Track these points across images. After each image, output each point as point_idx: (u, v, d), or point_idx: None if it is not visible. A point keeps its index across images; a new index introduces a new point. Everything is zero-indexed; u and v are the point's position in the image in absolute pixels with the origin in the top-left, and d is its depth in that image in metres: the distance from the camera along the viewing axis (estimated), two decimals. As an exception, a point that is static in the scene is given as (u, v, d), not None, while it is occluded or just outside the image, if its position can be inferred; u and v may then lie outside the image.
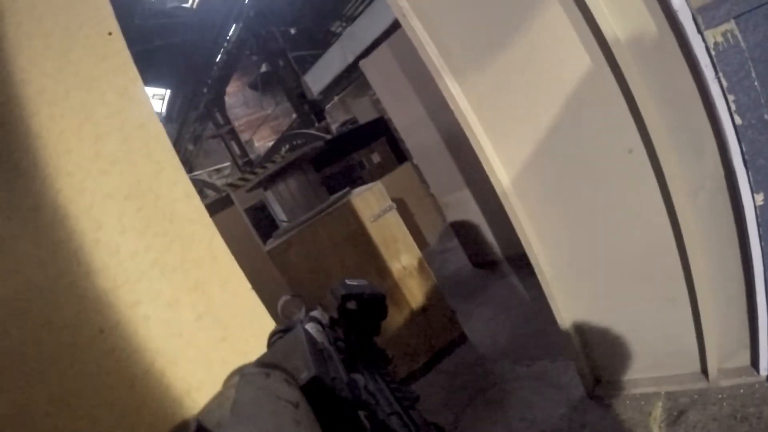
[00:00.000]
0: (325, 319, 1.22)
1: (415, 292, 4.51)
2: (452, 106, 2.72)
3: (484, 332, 4.77)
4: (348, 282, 1.21)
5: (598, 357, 3.12)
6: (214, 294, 1.59)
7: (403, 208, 6.67)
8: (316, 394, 0.79)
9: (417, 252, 4.53)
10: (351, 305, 1.16)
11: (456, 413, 3.81)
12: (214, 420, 0.64)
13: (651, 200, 2.41)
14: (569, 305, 3.01)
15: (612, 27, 2.13)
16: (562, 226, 2.78)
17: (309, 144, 5.55)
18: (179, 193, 1.58)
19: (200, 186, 14.81)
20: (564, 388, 3.31)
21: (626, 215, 2.54)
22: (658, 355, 2.87)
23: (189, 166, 18.83)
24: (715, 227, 2.34)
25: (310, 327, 1.15)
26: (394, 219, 4.41)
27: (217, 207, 7.22)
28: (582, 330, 3.06)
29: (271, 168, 4.69)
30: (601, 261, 2.77)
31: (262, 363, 0.83)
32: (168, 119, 18.12)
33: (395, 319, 4.50)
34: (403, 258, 4.43)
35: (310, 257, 4.29)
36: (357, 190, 4.51)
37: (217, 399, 0.71)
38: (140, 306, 1.39)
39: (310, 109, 15.17)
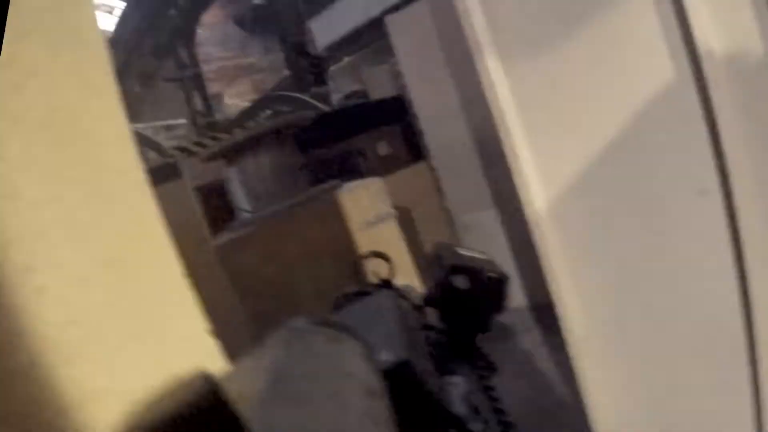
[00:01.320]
0: (416, 298, 1.18)
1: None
2: (488, 96, 2.79)
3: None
4: (461, 251, 1.19)
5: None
6: (134, 275, 1.49)
7: (407, 221, 6.70)
8: (401, 388, 0.72)
9: (415, 280, 4.40)
10: (461, 282, 1.10)
11: None
12: (238, 390, 0.49)
13: (720, 259, 2.49)
14: (600, 375, 3.06)
15: (709, 37, 2.23)
16: (604, 273, 2.86)
17: (297, 113, 5.49)
18: (111, 132, 1.42)
19: (141, 143, 14.65)
20: None
21: (686, 274, 2.62)
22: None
23: (131, 114, 18.56)
24: None
25: (407, 300, 1.13)
26: (391, 231, 4.47)
27: (158, 177, 6.50)
28: (613, 406, 3.10)
29: (240, 135, 4.79)
30: (647, 326, 2.84)
31: (330, 321, 0.73)
32: (115, 43, 17.47)
33: None
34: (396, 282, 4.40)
35: (272, 263, 4.25)
36: (349, 185, 4.57)
37: (251, 361, 0.66)
38: (34, 274, 1.31)
39: (309, 68, 14.84)
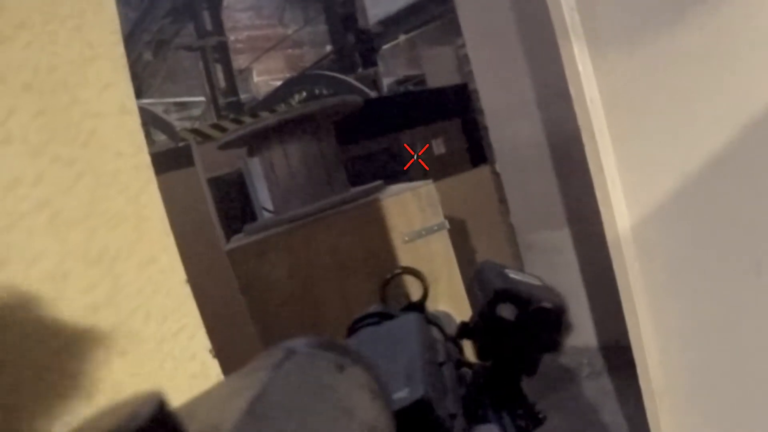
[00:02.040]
0: (451, 328, 1.14)
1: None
2: (572, 91, 2.77)
3: None
4: (510, 273, 1.07)
5: None
6: (126, 277, 1.50)
7: (461, 235, 6.66)
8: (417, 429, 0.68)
9: (466, 304, 4.28)
10: (507, 312, 1.00)
11: None
12: (207, 420, 0.44)
13: None
14: None
15: None
16: (693, 315, 2.82)
17: (339, 98, 5.38)
18: (111, 103, 1.50)
19: (147, 121, 14.62)
20: None
21: None
22: None
23: (138, 86, 18.50)
24: None
25: (437, 331, 1.10)
26: (441, 245, 4.44)
27: (165, 163, 6.94)
28: None
29: (268, 119, 4.59)
30: (742, 380, 2.79)
31: (337, 344, 0.67)
32: (126, 1, 17.55)
33: None
34: (441, 307, 4.31)
35: (297, 275, 4.22)
36: (394, 187, 4.55)
37: (226, 386, 0.59)
38: (7, 267, 1.30)
39: (357, 44, 14.82)
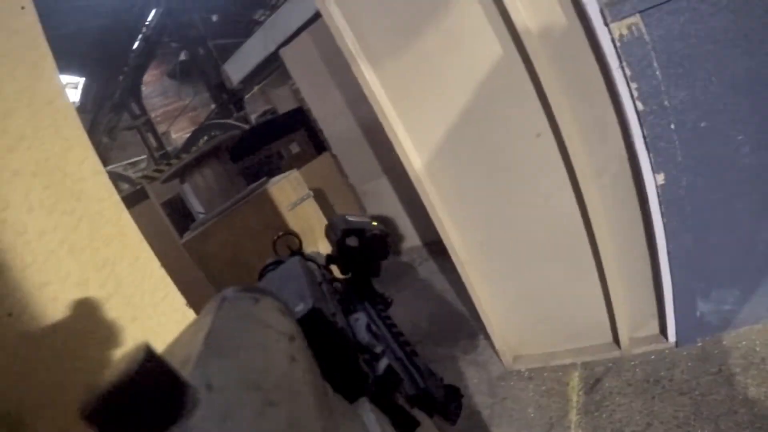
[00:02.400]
0: (321, 260, 1.20)
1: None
2: (367, 93, 2.79)
3: (404, 316, 4.86)
4: (349, 217, 1.15)
5: (515, 333, 3.27)
6: (123, 273, 1.58)
7: (322, 198, 6.67)
8: (315, 329, 0.70)
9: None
10: (352, 241, 1.08)
11: None
12: (181, 355, 0.49)
13: (559, 182, 2.58)
14: (485, 286, 3.14)
15: (523, 18, 2.27)
16: (474, 210, 2.90)
17: (226, 134, 5.45)
18: (87, 170, 1.56)
19: (114, 179, 14.32)
20: (485, 366, 3.46)
21: (536, 196, 2.69)
22: (572, 329, 3.05)
23: (103, 159, 18.08)
24: (619, 206, 2.52)
25: (311, 260, 1.13)
26: (311, 208, 4.48)
27: (132, 201, 6.96)
28: (498, 309, 3.21)
29: (187, 158, 4.64)
30: (513, 242, 2.91)
31: (250, 287, 0.67)
32: (82, 109, 17.27)
33: None
34: (321, 246, 4.37)
35: (228, 248, 4.26)
36: (274, 179, 4.55)
37: (189, 329, 0.59)
38: (49, 287, 1.36)
39: (230, 99, 15.01)
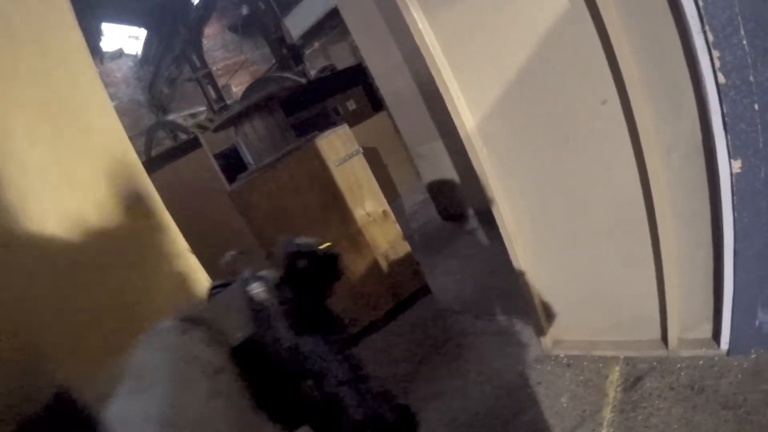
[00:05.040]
0: (274, 279, 1.14)
1: (378, 241, 4.47)
2: (419, 44, 2.58)
3: (447, 285, 4.76)
4: (298, 239, 1.16)
5: (559, 316, 3.09)
6: (124, 211, 1.50)
7: (376, 157, 6.56)
8: (252, 357, 0.73)
9: (382, 200, 4.45)
10: (301, 263, 1.09)
11: (414, 365, 3.81)
12: (104, 389, 0.52)
13: (622, 156, 2.32)
14: (531, 261, 2.96)
15: None
16: (527, 177, 2.69)
17: (277, 85, 5.37)
18: (95, 106, 1.47)
19: (172, 128, 14.56)
20: (524, 346, 3.31)
21: (596, 169, 2.45)
22: (619, 319, 2.84)
23: (164, 109, 18.46)
24: (687, 190, 2.25)
25: (256, 286, 1.07)
26: (359, 164, 4.32)
27: (185, 149, 6.90)
28: (543, 287, 3.02)
29: (237, 108, 4.56)
30: (566, 217, 2.69)
31: (184, 316, 0.73)
32: (144, 61, 17.74)
33: (357, 266, 4.47)
34: (367, 204, 4.38)
35: (272, 200, 4.21)
36: (323, 133, 4.39)
37: (116, 362, 0.60)
38: (48, 222, 1.29)
39: (289, 54, 14.93)
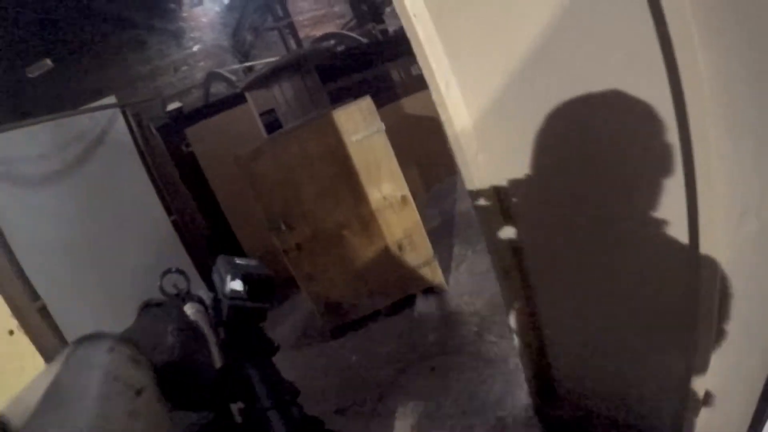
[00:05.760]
0: (209, 300, 1.17)
1: (393, 227, 4.13)
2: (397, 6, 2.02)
3: (467, 286, 4.36)
4: (236, 260, 1.13)
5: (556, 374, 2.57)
6: None
7: (425, 131, 6.10)
8: (177, 379, 0.72)
9: (403, 184, 4.07)
10: (237, 286, 1.05)
11: (394, 373, 3.56)
12: (24, 404, 0.52)
13: (673, 209, 1.60)
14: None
15: None
16: (533, 202, 2.11)
17: (320, 47, 5.04)
18: None
19: (223, 80, 14.56)
20: (521, 386, 2.86)
21: (633, 218, 1.77)
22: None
23: (246, 55, 18.57)
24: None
25: (189, 306, 1.11)
26: (380, 142, 3.96)
27: (230, 103, 6.54)
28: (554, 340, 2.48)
29: (263, 69, 4.35)
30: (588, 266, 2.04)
31: (108, 334, 0.70)
32: (229, 8, 17.89)
33: (366, 251, 4.19)
34: (384, 187, 4.03)
35: (281, 172, 3.96)
36: (343, 106, 4.04)
37: (40, 376, 0.59)
38: None
39: (368, 11, 14.72)
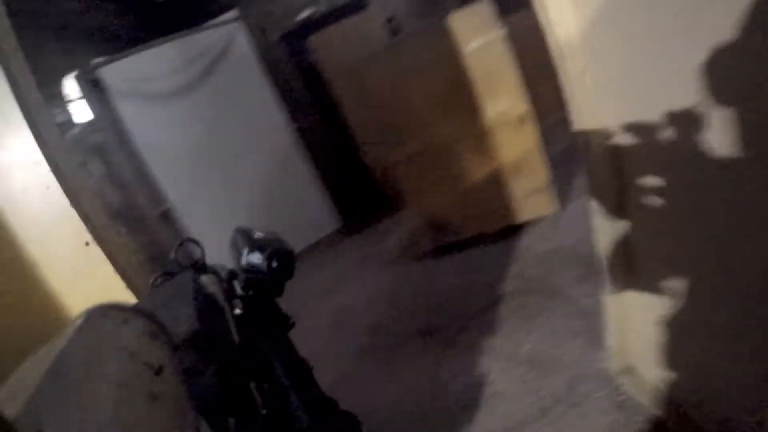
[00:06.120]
0: (224, 272, 1.13)
1: (507, 148, 3.77)
2: None
3: (581, 224, 3.81)
4: (254, 233, 1.11)
5: (636, 341, 2.22)
6: None
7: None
8: (197, 354, 0.68)
9: (523, 100, 3.64)
10: (256, 259, 1.04)
11: (488, 302, 3.36)
12: (19, 389, 0.41)
13: None
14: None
15: None
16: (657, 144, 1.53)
17: None
18: None
19: None
20: (583, 352, 2.62)
21: None
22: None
23: None
24: None
25: (205, 278, 1.05)
26: (499, 51, 3.55)
27: (352, 8, 6.15)
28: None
29: None
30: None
31: (121, 305, 0.61)
32: None
33: (476, 170, 3.91)
34: (501, 102, 3.64)
35: (392, 83, 3.75)
36: (460, 11, 3.63)
37: (44, 348, 0.51)
38: None
39: None
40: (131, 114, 5.13)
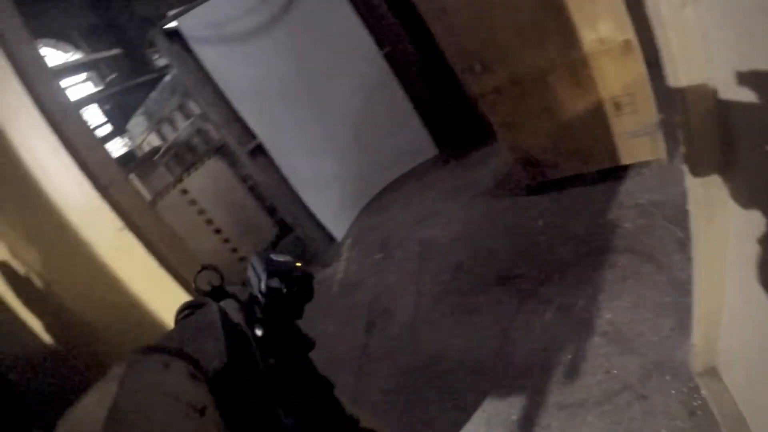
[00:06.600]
0: (244, 297, 1.11)
1: (609, 79, 3.30)
2: None
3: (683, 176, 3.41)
4: (273, 257, 1.08)
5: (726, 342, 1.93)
6: None
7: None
8: (229, 386, 0.70)
9: (627, 25, 3.09)
10: (275, 284, 1.00)
11: (577, 253, 3.19)
12: (85, 426, 0.49)
13: None
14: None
15: None
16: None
17: None
18: None
19: None
20: (661, 347, 2.36)
21: None
22: None
23: None
24: None
25: (226, 304, 1.04)
26: None
27: None
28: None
29: None
30: None
31: (161, 347, 0.67)
32: None
33: (573, 104, 3.52)
34: (602, 27, 3.15)
35: (474, 6, 3.40)
36: None
37: (94, 395, 0.55)
38: None
39: None
40: (212, 59, 5.18)
